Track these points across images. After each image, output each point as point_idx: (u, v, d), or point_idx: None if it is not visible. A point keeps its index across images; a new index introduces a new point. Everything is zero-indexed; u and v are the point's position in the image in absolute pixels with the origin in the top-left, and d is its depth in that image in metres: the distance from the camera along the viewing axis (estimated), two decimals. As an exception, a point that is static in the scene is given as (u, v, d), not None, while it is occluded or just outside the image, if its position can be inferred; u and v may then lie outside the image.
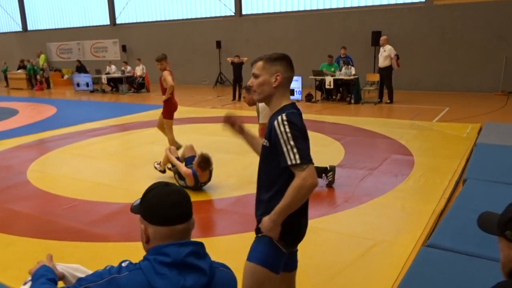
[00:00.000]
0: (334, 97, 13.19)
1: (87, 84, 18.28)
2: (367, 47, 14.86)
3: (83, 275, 1.44)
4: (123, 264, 1.34)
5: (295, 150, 1.86)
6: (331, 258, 3.54)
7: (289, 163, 1.86)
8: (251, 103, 5.01)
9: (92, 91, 17.95)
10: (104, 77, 17.56)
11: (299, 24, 16.87)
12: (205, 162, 5.09)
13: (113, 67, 18.19)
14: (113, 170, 6.46)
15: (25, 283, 1.49)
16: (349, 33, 15.61)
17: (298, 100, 12.92)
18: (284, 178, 1.94)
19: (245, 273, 2.07)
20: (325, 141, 7.66)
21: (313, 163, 1.90)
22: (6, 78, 21.42)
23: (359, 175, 5.67)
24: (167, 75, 6.39)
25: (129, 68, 17.62)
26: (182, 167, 5.31)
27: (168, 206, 1.37)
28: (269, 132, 1.99)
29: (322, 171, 5.26)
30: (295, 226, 2.05)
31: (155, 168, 5.85)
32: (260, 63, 2.07)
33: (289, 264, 2.20)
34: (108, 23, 22.30)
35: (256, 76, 2.08)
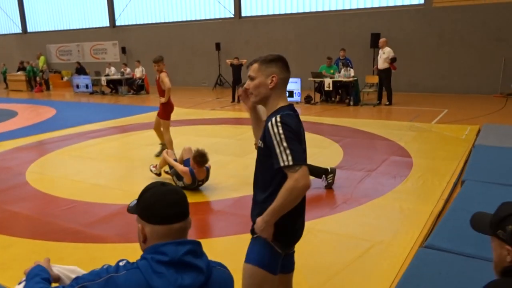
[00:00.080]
0: (333, 99, 13.20)
1: (87, 86, 18.30)
2: (366, 49, 14.90)
3: None
4: (120, 263, 1.34)
5: (288, 152, 1.86)
6: (328, 259, 3.55)
7: (281, 164, 1.87)
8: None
9: (91, 93, 17.96)
10: (103, 79, 17.58)
11: (298, 26, 16.90)
12: (201, 157, 5.11)
13: (112, 69, 18.21)
14: (112, 172, 6.47)
15: (19, 283, 1.49)
16: (348, 35, 15.64)
17: (297, 102, 12.94)
18: (278, 179, 1.94)
19: (243, 275, 2.08)
20: (324, 142, 7.68)
21: (306, 165, 1.90)
22: (5, 80, 21.43)
23: (358, 177, 5.68)
24: (164, 77, 6.50)
25: (128, 70, 17.65)
26: (179, 166, 5.33)
27: (165, 205, 1.38)
28: (264, 133, 1.99)
29: (322, 172, 5.27)
30: (288, 227, 2.04)
31: (151, 170, 5.88)
32: (255, 65, 2.08)
33: (286, 265, 2.20)
34: (108, 25, 22.33)
35: (252, 78, 2.09)
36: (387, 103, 12.05)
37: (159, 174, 5.84)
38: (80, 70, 20.52)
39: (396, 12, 14.99)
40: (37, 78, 19.93)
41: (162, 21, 20.60)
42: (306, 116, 10.20)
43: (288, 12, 17.35)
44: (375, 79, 12.80)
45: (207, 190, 5.39)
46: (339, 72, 12.89)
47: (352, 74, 12.69)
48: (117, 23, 22.11)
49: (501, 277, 1.37)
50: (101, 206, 4.93)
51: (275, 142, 1.89)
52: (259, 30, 17.85)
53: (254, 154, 2.15)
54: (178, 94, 15.46)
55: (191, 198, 4.47)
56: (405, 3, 15.01)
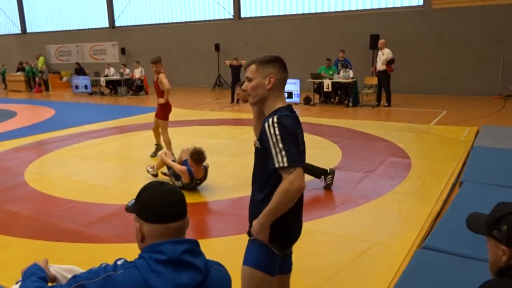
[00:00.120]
0: (332, 100, 13.22)
1: (86, 87, 18.30)
2: (365, 50, 14.92)
3: None
4: (118, 262, 1.35)
5: (283, 153, 1.85)
6: (327, 260, 3.55)
7: (276, 165, 1.86)
8: (245, 99, 5.03)
9: (90, 94, 17.96)
10: (102, 80, 17.57)
11: (297, 27, 16.92)
12: (198, 154, 5.13)
13: (112, 69, 18.22)
14: (111, 172, 6.47)
15: (17, 283, 1.49)
16: (348, 36, 15.66)
17: (296, 103, 12.95)
18: (274, 180, 1.93)
19: (242, 277, 2.08)
20: (323, 143, 7.69)
21: (302, 166, 1.90)
22: (4, 80, 21.41)
23: (356, 178, 5.69)
24: (163, 78, 6.54)
25: (127, 70, 17.66)
26: (176, 165, 5.34)
27: (163, 204, 1.39)
28: (261, 134, 1.99)
29: (321, 173, 5.28)
30: (284, 229, 2.04)
31: (148, 171, 5.89)
32: (253, 66, 2.08)
33: (283, 266, 2.21)
34: (107, 25, 22.34)
35: (249, 80, 2.09)
36: (386, 104, 12.07)
37: (156, 175, 5.85)
38: (79, 70, 20.52)
39: (395, 14, 15.02)
40: (36, 79, 19.92)
41: (162, 22, 20.61)
42: (305, 117, 10.21)
43: (288, 13, 17.37)
44: (374, 81, 12.82)
45: (206, 190, 5.40)
46: (338, 73, 12.90)
47: (351, 75, 12.70)
48: (117, 23, 22.12)
49: (497, 277, 1.38)
50: (100, 206, 4.93)
51: (271, 143, 1.89)
52: (258, 31, 17.86)
53: (253, 155, 2.15)
54: (177, 95, 15.47)
55: (190, 199, 4.47)
56: (404, 4, 15.04)
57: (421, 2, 14.61)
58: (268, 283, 2.04)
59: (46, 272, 1.52)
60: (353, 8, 15.97)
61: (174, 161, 5.60)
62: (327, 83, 12.64)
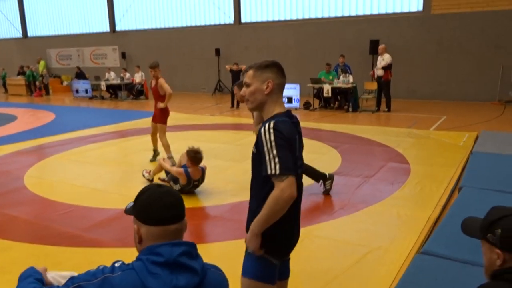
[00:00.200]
0: (332, 105, 13.24)
1: (86, 91, 18.34)
2: (365, 55, 14.96)
3: None
4: (116, 264, 1.36)
5: (276, 160, 1.83)
6: (326, 265, 3.55)
7: (269, 172, 1.84)
8: (242, 99, 5.04)
9: (91, 98, 17.99)
10: (103, 84, 17.62)
11: (297, 32, 16.97)
12: (195, 152, 5.16)
13: (112, 73, 18.26)
14: (110, 176, 6.47)
15: None
16: (347, 42, 15.71)
17: (296, 108, 12.97)
18: (268, 187, 1.89)
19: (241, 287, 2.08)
20: (322, 148, 7.70)
21: (294, 174, 1.86)
22: (4, 85, 21.46)
23: (356, 183, 5.69)
24: (163, 82, 6.70)
25: (128, 75, 17.69)
26: (174, 168, 5.36)
27: (161, 207, 1.39)
28: (257, 139, 1.97)
29: (320, 177, 5.28)
30: (277, 236, 2.00)
31: (143, 176, 5.91)
32: (250, 72, 2.08)
33: (281, 272, 2.19)
34: (108, 30, 22.40)
35: (247, 85, 2.09)
36: (386, 109, 12.09)
37: (151, 180, 5.86)
38: (80, 75, 20.57)
39: (395, 19, 15.07)
40: (37, 83, 19.98)
41: (162, 26, 20.68)
42: (305, 122, 10.22)
43: (288, 18, 17.43)
44: (374, 86, 12.84)
45: (205, 195, 5.40)
46: (338, 79, 12.93)
47: (351, 80, 12.73)
48: (117, 28, 22.19)
49: (491, 280, 1.39)
50: (99, 211, 4.93)
51: (265, 149, 1.87)
52: (258, 36, 17.92)
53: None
54: (177, 99, 15.47)
55: (189, 203, 4.47)
56: (404, 10, 15.09)
57: (420, 8, 14.66)
58: None
59: (43, 276, 1.53)
60: (353, 13, 16.03)
61: (173, 165, 5.61)
62: (327, 88, 12.66)
